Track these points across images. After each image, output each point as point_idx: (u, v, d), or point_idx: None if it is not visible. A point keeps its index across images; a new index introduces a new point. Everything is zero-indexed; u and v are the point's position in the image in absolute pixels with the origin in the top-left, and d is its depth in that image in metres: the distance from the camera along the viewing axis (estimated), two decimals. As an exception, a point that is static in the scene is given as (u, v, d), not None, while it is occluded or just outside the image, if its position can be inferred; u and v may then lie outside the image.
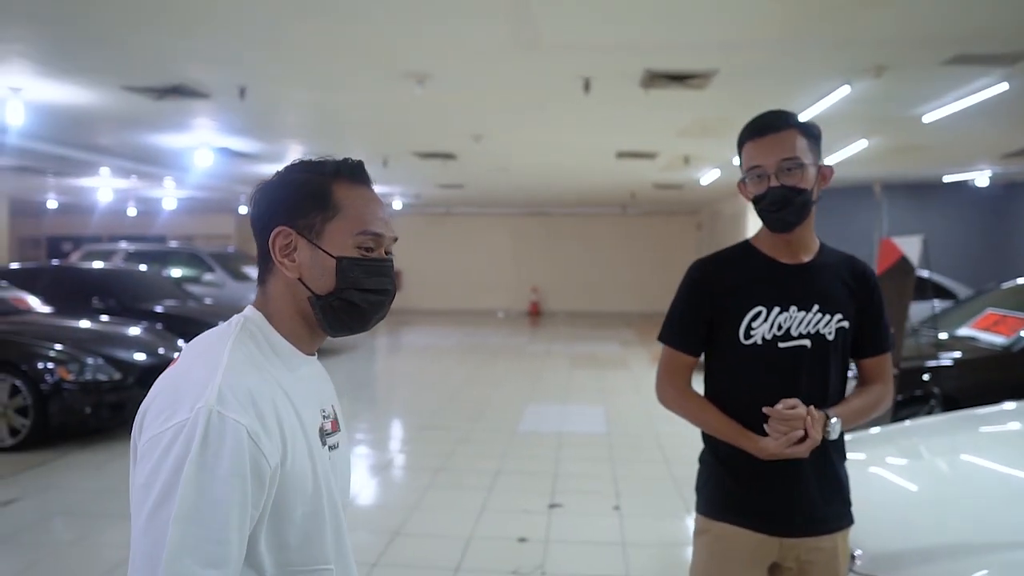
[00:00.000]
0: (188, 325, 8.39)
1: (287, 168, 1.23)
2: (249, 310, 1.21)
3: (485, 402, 8.17)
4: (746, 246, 1.97)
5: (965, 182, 13.43)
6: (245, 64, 5.87)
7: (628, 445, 6.47)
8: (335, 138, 9.39)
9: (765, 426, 1.80)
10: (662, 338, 2.01)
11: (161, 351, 6.75)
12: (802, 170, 1.79)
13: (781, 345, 1.86)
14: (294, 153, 10.70)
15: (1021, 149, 9.67)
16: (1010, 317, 5.87)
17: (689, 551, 4.32)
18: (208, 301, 10.00)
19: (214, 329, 1.20)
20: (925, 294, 6.86)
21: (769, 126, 1.82)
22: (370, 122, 8.27)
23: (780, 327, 1.86)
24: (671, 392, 1.99)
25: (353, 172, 1.22)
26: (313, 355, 1.26)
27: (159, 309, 8.62)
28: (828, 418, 1.81)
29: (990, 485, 2.87)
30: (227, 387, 1.05)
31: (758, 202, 1.84)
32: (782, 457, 1.80)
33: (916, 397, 5.24)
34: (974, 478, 2.96)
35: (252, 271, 11.84)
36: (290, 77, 6.26)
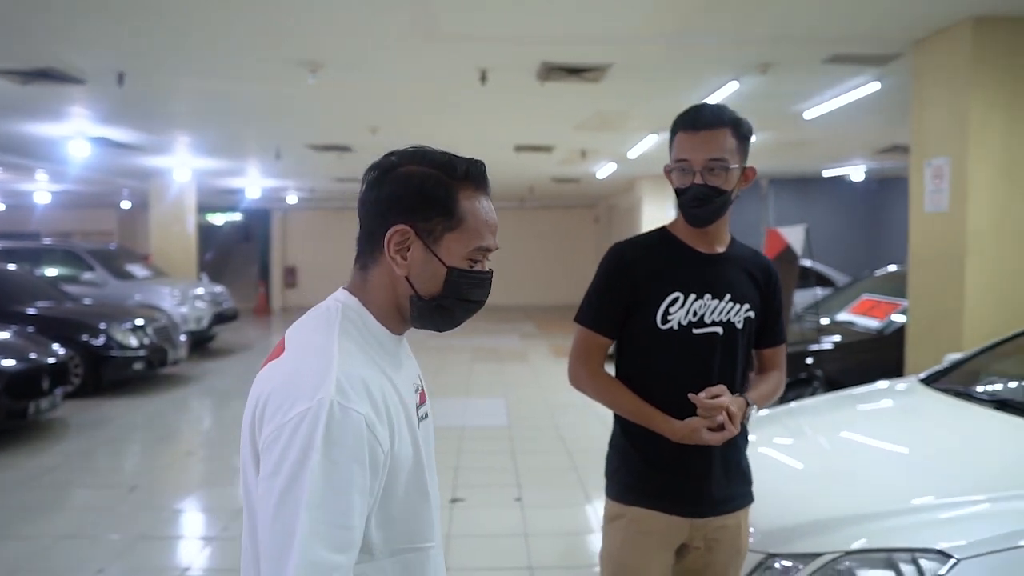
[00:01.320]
0: (65, 328, 7.90)
1: (413, 156, 1.21)
2: (344, 295, 1.25)
3: (386, 398, 8.03)
4: (664, 233, 2.01)
5: (842, 176, 14.24)
6: (123, 47, 5.51)
7: (529, 437, 6.50)
8: (224, 128, 8.99)
9: (699, 411, 1.82)
10: (579, 319, 2.01)
11: (33, 356, 6.29)
12: (727, 172, 1.83)
13: (695, 331, 1.90)
14: (180, 144, 10.20)
15: (892, 145, 10.33)
16: (883, 302, 6.26)
17: (591, 539, 4.42)
18: (88, 301, 9.40)
19: (311, 316, 1.23)
20: (808, 282, 7.24)
21: (703, 122, 1.83)
22: (262, 112, 7.95)
23: (695, 313, 1.90)
24: (584, 373, 2.00)
25: (479, 178, 1.23)
26: (402, 336, 1.29)
27: (31, 311, 8.04)
28: (748, 404, 1.88)
29: (866, 458, 3.04)
30: (343, 377, 1.08)
31: (680, 195, 1.88)
32: (696, 443, 1.84)
33: (800, 380, 5.51)
34: (852, 453, 3.13)
35: (137, 269, 11.22)
36: (173, 62, 5.92)
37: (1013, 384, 3.53)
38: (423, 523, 1.22)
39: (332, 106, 7.53)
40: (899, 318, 5.86)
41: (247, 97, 7.11)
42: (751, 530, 2.35)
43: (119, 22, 4.94)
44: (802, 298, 7.28)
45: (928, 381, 3.75)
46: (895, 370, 5.28)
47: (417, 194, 1.17)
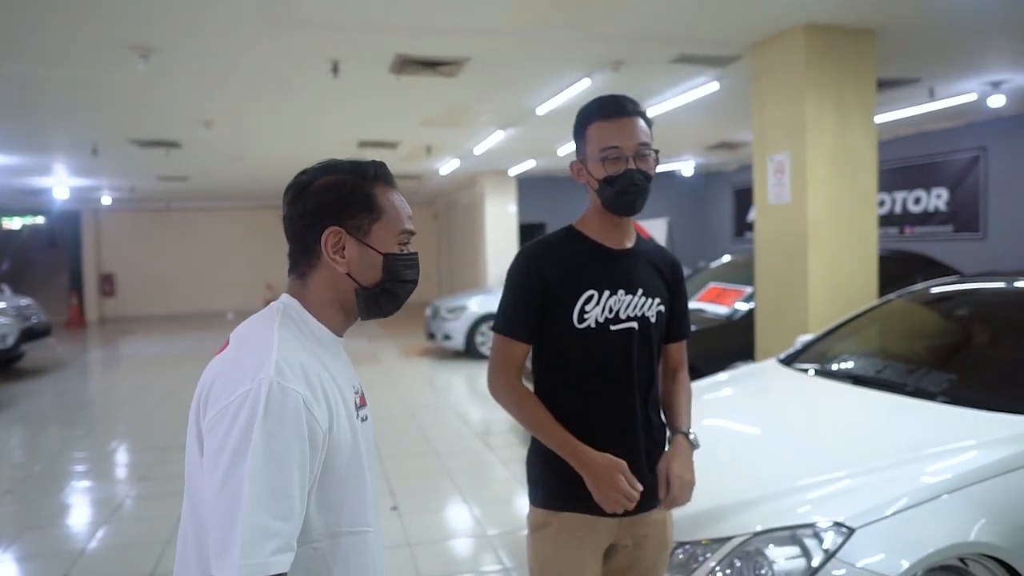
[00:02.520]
0: None
1: (325, 168, 1.35)
2: (286, 298, 1.35)
3: (233, 411, 7.50)
4: (572, 231, 1.99)
5: (674, 172, 15.07)
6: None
7: (394, 440, 6.32)
8: (30, 119, 7.93)
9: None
10: (496, 328, 1.96)
11: None
12: (653, 157, 1.88)
13: (613, 328, 1.89)
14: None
15: (720, 142, 11.04)
16: (729, 290, 6.63)
17: (475, 543, 4.32)
18: None
19: (256, 316, 1.34)
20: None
21: (623, 109, 1.85)
22: (79, 102, 7.08)
23: (611, 310, 1.89)
24: (501, 383, 1.93)
25: (387, 176, 1.39)
26: (342, 337, 1.40)
27: None
28: (691, 443, 1.96)
29: (750, 441, 3.18)
30: (283, 360, 1.19)
31: (611, 183, 1.85)
32: (613, 491, 1.81)
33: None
34: (735, 437, 3.25)
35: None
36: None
37: (861, 361, 3.81)
38: (360, 509, 1.30)
39: (162, 97, 6.88)
40: (743, 305, 6.23)
41: (63, 84, 6.31)
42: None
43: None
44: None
45: (787, 362, 3.99)
46: (746, 354, 5.60)
47: (339, 199, 1.32)
